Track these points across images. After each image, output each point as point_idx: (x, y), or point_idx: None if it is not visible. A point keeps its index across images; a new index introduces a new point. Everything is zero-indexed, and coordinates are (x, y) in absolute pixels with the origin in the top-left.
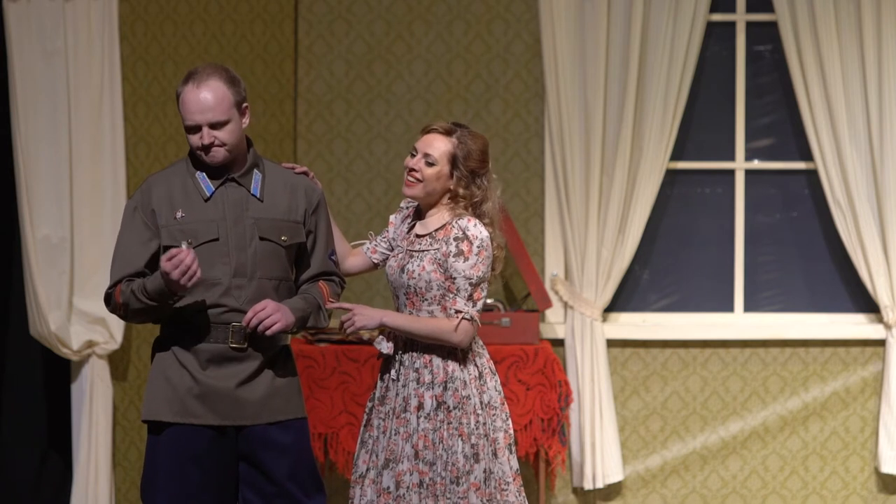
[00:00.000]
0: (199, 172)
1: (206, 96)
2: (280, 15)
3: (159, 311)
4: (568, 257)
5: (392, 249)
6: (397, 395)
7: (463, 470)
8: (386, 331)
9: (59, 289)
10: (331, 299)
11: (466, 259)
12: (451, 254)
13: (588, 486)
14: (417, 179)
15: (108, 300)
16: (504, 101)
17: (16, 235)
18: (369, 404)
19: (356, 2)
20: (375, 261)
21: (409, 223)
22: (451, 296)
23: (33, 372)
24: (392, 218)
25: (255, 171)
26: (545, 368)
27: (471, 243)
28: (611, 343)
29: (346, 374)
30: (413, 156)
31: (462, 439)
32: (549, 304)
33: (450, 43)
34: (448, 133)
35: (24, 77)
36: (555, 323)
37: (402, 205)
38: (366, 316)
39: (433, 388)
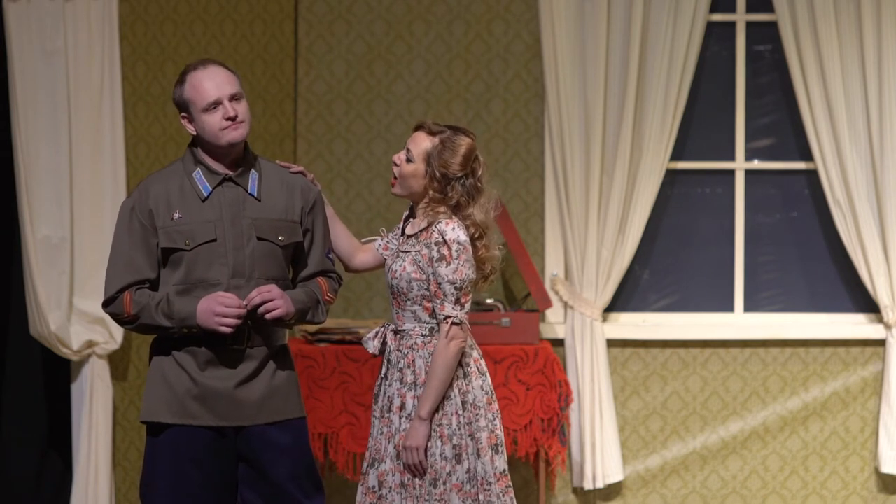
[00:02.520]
0: (196, 172)
1: (218, 71)
2: (280, 15)
3: (171, 332)
4: (568, 257)
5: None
6: (384, 393)
7: (442, 472)
8: (375, 329)
9: (59, 289)
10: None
11: (449, 264)
12: (434, 259)
13: (588, 486)
14: (395, 176)
15: (112, 306)
16: (504, 101)
17: (16, 235)
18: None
19: (356, 2)
20: (386, 257)
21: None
22: (438, 301)
23: (33, 372)
24: (405, 214)
25: (252, 170)
26: (545, 368)
27: (449, 248)
28: (611, 343)
29: (346, 374)
30: (400, 152)
31: (441, 441)
32: (549, 304)
33: (450, 43)
34: (433, 133)
35: (24, 77)
36: (555, 323)
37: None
38: (417, 435)
39: (415, 389)
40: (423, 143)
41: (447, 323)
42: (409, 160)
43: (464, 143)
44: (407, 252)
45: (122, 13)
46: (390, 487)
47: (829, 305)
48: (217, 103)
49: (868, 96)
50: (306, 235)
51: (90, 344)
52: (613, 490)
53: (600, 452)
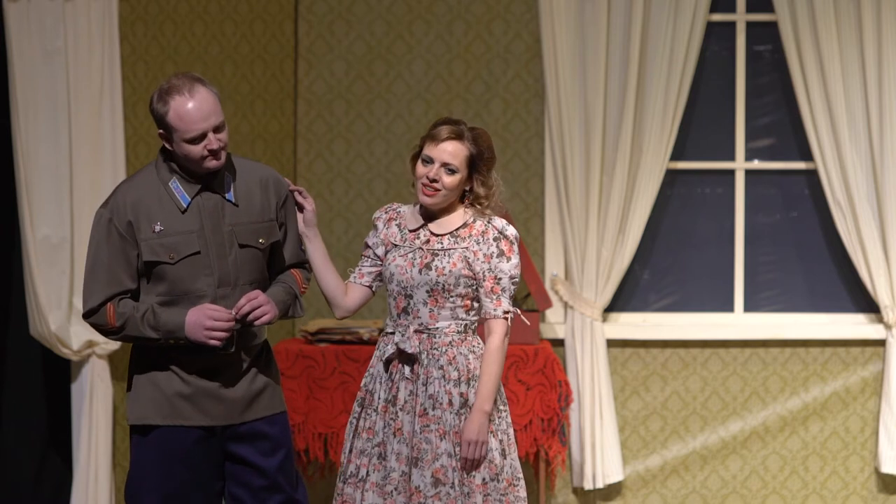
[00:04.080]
0: (172, 181)
1: (204, 101)
2: (280, 15)
3: (157, 342)
4: (568, 257)
5: (380, 260)
6: (413, 393)
7: (500, 466)
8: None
9: (59, 289)
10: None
11: (509, 259)
12: (494, 255)
13: (588, 486)
14: (437, 189)
15: (94, 317)
16: (504, 101)
17: (16, 235)
18: (357, 409)
19: (356, 2)
20: (367, 283)
21: (399, 223)
22: (493, 297)
23: (33, 372)
24: (370, 240)
25: (227, 174)
26: (545, 368)
27: (511, 243)
28: (611, 343)
29: (346, 374)
30: (426, 164)
31: (493, 436)
32: (549, 304)
33: (450, 43)
34: (460, 136)
35: (24, 77)
36: (555, 323)
37: (378, 214)
38: (482, 429)
39: (459, 386)
40: (459, 151)
41: (506, 318)
42: (451, 171)
43: (484, 132)
44: (450, 249)
45: (122, 13)
46: (452, 483)
47: (829, 305)
48: (203, 135)
49: (868, 96)
50: (281, 229)
51: (90, 344)
52: (613, 490)
53: (600, 452)
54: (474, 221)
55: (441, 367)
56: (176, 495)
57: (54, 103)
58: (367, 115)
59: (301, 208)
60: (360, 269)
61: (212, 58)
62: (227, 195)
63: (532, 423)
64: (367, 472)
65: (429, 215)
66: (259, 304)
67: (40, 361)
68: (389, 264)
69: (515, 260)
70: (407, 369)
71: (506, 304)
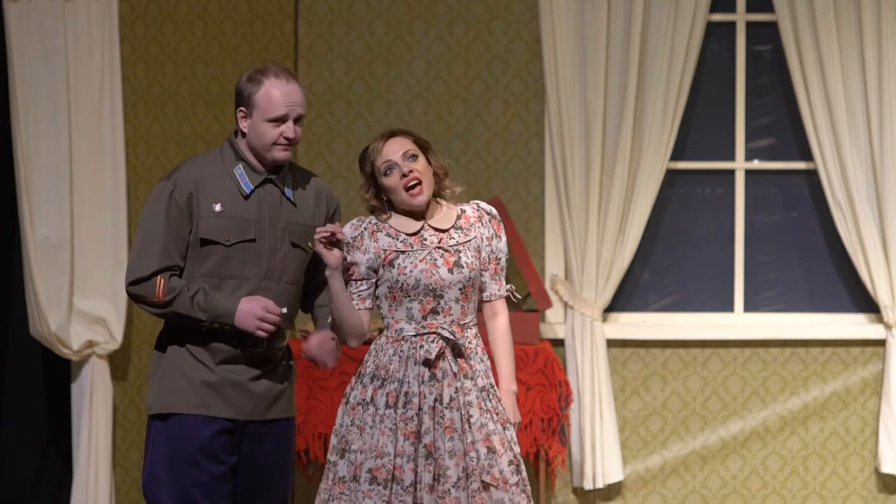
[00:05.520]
0: (237, 168)
1: (296, 90)
2: (280, 15)
3: (201, 325)
4: (568, 257)
5: (374, 273)
6: (460, 390)
7: (519, 462)
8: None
9: (59, 289)
10: None
11: (501, 238)
12: (492, 236)
13: (588, 486)
14: (419, 181)
15: (140, 287)
16: (504, 101)
17: (16, 235)
18: (391, 413)
19: (356, 2)
20: (370, 307)
21: (387, 232)
22: (497, 277)
23: (33, 372)
24: (358, 258)
25: (288, 173)
26: (545, 368)
27: (499, 222)
28: (611, 343)
29: (346, 374)
30: (392, 169)
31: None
32: (549, 304)
33: (450, 43)
34: (393, 135)
35: (24, 77)
36: (555, 323)
37: (355, 233)
38: (515, 410)
39: (491, 377)
40: (403, 141)
41: (508, 294)
42: (413, 157)
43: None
44: (464, 243)
45: (122, 13)
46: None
47: (829, 305)
48: (283, 120)
49: (868, 96)
50: None
51: (90, 344)
52: (613, 490)
53: (600, 452)
54: (465, 211)
55: (482, 360)
56: (199, 483)
57: (54, 103)
58: (367, 115)
59: (340, 246)
60: (358, 295)
61: (212, 58)
62: (286, 193)
63: (532, 423)
64: (416, 476)
65: (413, 215)
66: (332, 348)
67: (40, 361)
68: (412, 271)
69: (504, 237)
70: (454, 366)
71: (504, 282)
